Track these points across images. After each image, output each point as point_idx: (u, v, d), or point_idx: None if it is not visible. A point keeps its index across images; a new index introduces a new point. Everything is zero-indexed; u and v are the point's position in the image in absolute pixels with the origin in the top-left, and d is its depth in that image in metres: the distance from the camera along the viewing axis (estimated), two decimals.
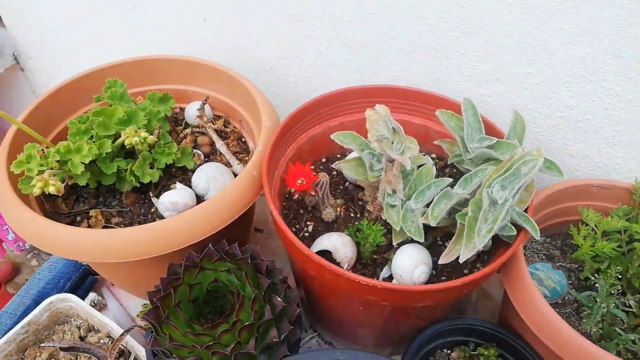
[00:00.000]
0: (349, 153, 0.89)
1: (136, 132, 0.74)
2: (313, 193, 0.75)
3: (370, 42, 0.90)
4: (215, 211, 0.70)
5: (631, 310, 0.68)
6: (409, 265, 0.68)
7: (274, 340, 0.64)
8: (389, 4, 0.84)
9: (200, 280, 0.68)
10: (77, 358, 0.82)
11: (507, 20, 0.77)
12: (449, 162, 0.81)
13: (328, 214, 0.78)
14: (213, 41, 1.07)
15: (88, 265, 0.97)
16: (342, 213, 0.81)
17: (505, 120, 0.86)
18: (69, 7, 1.21)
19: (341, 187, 0.86)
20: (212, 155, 0.91)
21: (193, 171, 0.85)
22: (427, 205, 0.70)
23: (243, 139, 0.95)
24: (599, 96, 0.78)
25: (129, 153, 0.82)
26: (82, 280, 0.95)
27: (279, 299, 0.67)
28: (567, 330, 0.60)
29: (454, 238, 0.66)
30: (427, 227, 0.71)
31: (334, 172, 0.88)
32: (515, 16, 0.76)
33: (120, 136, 0.77)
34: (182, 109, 0.98)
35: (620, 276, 0.69)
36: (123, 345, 0.79)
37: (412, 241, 0.71)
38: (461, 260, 0.61)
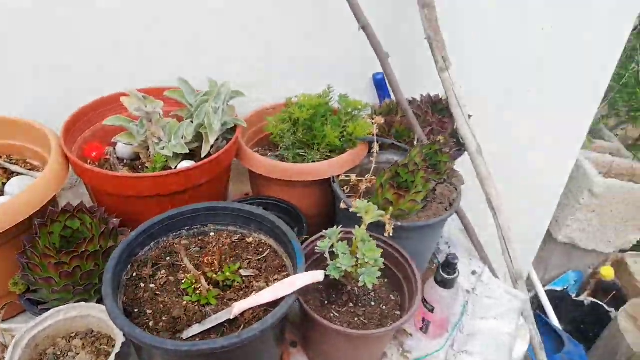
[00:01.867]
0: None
1: None
2: (107, 157, 1.10)
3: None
4: (44, 184, 0.98)
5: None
6: None
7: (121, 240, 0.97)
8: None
9: (53, 230, 0.95)
10: None
11: None
12: (185, 118, 1.27)
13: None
14: None
15: None
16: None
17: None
18: None
19: (122, 165, 1.22)
20: (10, 179, 1.14)
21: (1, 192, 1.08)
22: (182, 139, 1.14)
23: (28, 162, 1.21)
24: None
25: None
26: None
27: (114, 220, 1.00)
28: (271, 161, 1.14)
29: (203, 142, 1.12)
30: (189, 155, 1.15)
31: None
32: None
33: None
34: None
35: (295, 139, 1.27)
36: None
37: (183, 159, 1.14)
38: (211, 141, 1.08)
